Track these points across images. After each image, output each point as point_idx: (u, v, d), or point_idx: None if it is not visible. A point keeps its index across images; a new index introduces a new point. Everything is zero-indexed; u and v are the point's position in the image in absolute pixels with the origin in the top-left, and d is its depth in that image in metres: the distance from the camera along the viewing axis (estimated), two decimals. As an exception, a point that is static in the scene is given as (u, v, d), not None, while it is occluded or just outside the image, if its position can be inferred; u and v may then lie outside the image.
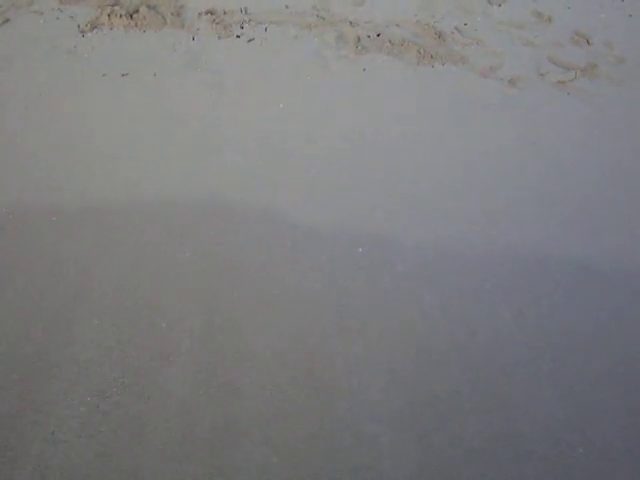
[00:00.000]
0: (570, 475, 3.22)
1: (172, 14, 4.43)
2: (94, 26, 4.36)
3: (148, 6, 4.40)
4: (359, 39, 4.53)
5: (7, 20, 4.33)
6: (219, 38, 4.46)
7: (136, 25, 4.39)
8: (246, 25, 4.50)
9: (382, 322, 3.61)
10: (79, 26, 4.36)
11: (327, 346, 3.48)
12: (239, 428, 3.20)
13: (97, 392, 3.24)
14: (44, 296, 3.50)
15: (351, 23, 4.55)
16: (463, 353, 3.58)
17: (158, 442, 3.11)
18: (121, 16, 4.36)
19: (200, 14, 4.46)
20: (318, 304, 3.63)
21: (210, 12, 4.47)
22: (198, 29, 4.44)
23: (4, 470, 3.00)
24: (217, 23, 4.45)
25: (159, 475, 3.03)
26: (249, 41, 4.48)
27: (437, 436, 3.27)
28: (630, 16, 4.81)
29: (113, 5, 4.39)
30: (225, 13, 4.49)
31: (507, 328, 3.69)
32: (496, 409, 3.38)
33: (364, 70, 4.52)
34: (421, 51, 4.55)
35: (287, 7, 4.55)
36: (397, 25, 4.60)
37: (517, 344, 3.63)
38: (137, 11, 4.38)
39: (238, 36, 4.48)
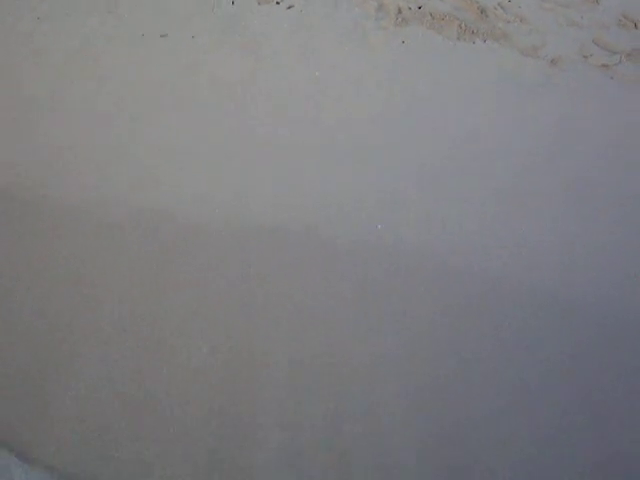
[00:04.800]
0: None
1: (213, -23, 4.42)
2: (135, -14, 4.37)
3: (190, -32, 4.39)
4: (400, 10, 4.45)
5: (50, -23, 4.37)
6: (259, 4, 4.43)
7: (176, -14, 4.38)
8: (286, -9, 4.47)
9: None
10: (120, -14, 4.37)
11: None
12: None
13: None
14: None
15: (392, -6, 4.48)
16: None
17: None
18: (162, -23, 4.36)
19: (241, -22, 4.44)
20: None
21: (251, -23, 4.44)
22: (238, -7, 4.43)
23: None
24: (258, -12, 4.43)
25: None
26: (289, 8, 4.44)
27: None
28: (681, 1, 4.65)
29: (155, -35, 4.39)
30: (266, -22, 4.46)
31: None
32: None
33: (403, 42, 4.45)
34: (462, 26, 4.46)
35: (328, -25, 4.49)
36: (439, -2, 4.52)
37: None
38: (178, -27, 4.38)
39: (278, 2, 4.44)
